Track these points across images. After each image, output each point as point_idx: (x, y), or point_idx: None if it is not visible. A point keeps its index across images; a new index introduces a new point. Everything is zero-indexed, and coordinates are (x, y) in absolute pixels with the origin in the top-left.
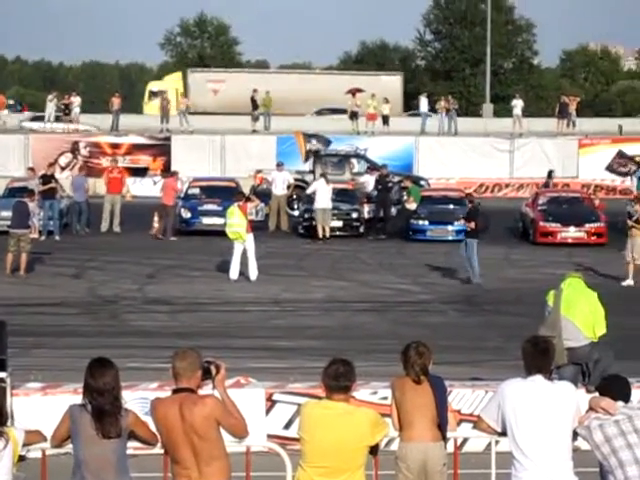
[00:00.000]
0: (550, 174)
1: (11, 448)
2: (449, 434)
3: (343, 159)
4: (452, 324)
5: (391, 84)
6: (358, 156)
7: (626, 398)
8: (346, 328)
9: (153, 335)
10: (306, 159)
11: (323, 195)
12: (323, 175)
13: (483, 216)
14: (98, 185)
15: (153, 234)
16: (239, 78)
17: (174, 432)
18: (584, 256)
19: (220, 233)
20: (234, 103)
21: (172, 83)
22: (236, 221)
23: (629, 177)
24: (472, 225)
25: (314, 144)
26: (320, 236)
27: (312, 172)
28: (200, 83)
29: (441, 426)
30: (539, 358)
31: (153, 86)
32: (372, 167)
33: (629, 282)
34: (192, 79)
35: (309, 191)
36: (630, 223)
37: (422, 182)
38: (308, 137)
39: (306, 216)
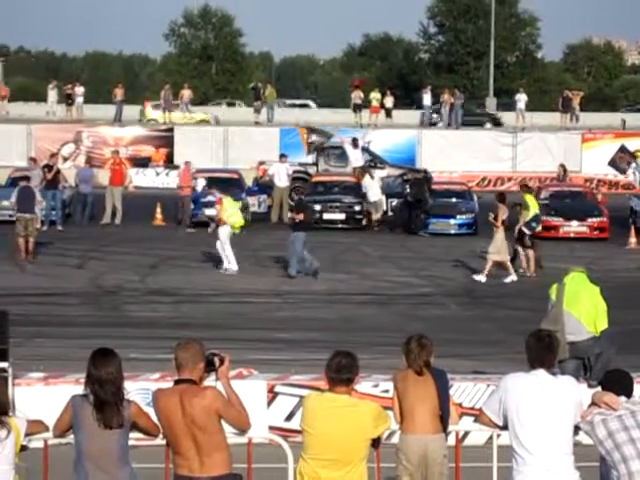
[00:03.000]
0: (564, 168)
1: (13, 438)
2: (450, 427)
3: (344, 152)
4: (454, 317)
5: None
6: (362, 149)
7: (629, 393)
8: (348, 321)
9: (155, 326)
10: (309, 152)
11: (373, 189)
12: (368, 172)
13: (311, 209)
14: (101, 176)
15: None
16: None
17: (175, 423)
18: (587, 250)
19: None
20: None
21: None
22: (235, 211)
23: (630, 172)
24: (300, 217)
25: (315, 138)
26: (373, 222)
27: (315, 164)
28: None
29: (443, 418)
30: (543, 352)
31: None
32: (355, 139)
33: (480, 277)
34: None
35: (364, 190)
36: (490, 219)
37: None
38: (309, 131)
39: None
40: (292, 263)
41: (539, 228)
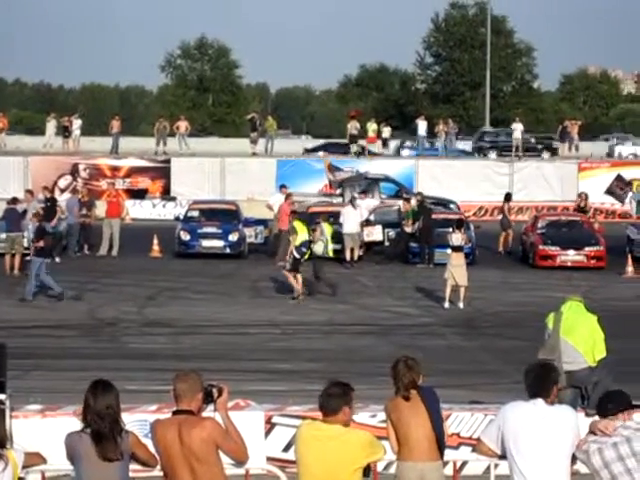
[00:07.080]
0: (508, 197)
1: (11, 470)
2: (448, 457)
3: (372, 183)
4: (452, 347)
5: None
6: (387, 180)
7: (628, 406)
8: (346, 351)
9: (152, 357)
10: (335, 186)
11: (351, 220)
12: (351, 201)
13: (51, 236)
14: (98, 208)
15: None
16: None
17: (173, 454)
18: (583, 279)
19: (219, 256)
20: None
21: None
22: None
23: (627, 201)
24: (40, 244)
25: (341, 173)
26: (348, 259)
27: (341, 196)
28: None
29: (438, 437)
30: (543, 382)
31: None
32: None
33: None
34: None
35: (341, 219)
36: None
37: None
38: (335, 168)
39: None
40: (28, 288)
41: (308, 253)
